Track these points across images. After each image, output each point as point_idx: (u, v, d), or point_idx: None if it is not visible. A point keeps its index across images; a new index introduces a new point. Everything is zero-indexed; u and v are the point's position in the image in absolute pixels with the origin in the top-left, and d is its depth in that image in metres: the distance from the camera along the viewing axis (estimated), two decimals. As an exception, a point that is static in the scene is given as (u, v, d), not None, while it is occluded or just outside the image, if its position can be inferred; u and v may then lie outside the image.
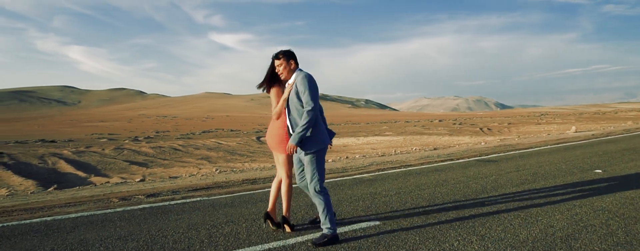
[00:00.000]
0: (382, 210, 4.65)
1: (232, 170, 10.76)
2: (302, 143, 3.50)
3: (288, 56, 3.64)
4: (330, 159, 10.46)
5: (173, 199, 5.66)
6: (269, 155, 24.82)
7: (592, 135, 14.66)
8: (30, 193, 7.75)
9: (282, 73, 3.66)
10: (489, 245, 3.40)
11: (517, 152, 9.94)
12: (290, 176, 3.91)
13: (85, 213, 4.93)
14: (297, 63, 3.68)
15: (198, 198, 5.65)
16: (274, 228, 3.94)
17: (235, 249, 3.47)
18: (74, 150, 26.53)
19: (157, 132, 53.22)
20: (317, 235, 3.70)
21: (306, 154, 3.52)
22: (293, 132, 3.58)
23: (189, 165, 21.53)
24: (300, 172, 3.79)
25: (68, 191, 7.29)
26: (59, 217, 4.77)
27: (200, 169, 17.78)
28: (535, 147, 10.87)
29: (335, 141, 33.20)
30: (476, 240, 3.52)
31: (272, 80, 3.82)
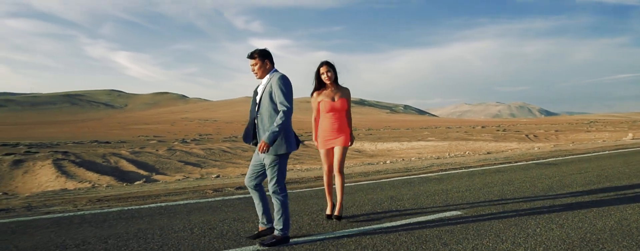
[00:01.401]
0: (459, 203, 5.10)
1: (289, 170, 11.40)
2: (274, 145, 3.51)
3: (263, 56, 3.62)
4: (388, 160, 10.92)
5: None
6: (312, 157, 25.48)
7: (650, 142, 14.42)
8: (125, 185, 8.65)
9: (256, 73, 3.66)
10: (570, 232, 3.80)
11: (575, 156, 10.08)
12: (331, 170, 4.45)
13: (191, 201, 5.64)
14: (272, 64, 3.67)
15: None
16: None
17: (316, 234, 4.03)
18: (130, 150, 28.10)
19: (200, 135, 55.16)
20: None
21: (271, 155, 3.51)
22: (260, 133, 3.59)
23: (241, 166, 22.46)
24: (255, 171, 3.76)
25: (158, 185, 8.10)
26: (171, 204, 5.49)
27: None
28: (593, 152, 10.94)
29: (380, 145, 33.50)
30: (556, 228, 3.93)
31: (319, 86, 4.39)
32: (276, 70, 3.66)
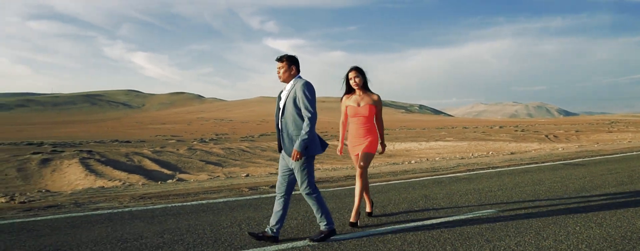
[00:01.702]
0: (493, 201, 5.21)
1: (316, 169, 11.58)
2: (292, 147, 3.63)
3: (291, 61, 3.72)
4: (412, 160, 11.02)
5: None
6: (332, 157, 25.63)
7: (678, 142, 14.24)
8: (159, 183, 8.93)
9: (281, 76, 3.74)
10: (610, 230, 3.90)
11: (602, 157, 10.06)
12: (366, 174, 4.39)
13: (230, 199, 5.84)
14: (298, 70, 3.76)
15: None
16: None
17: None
18: (152, 150, 28.62)
19: (217, 135, 55.74)
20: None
21: (299, 159, 3.60)
22: (284, 136, 3.69)
23: (261, 166, 22.74)
24: (285, 177, 3.82)
25: (192, 183, 8.36)
26: (212, 201, 5.70)
27: (276, 170, 18.82)
28: (621, 153, 10.89)
29: (397, 145, 33.47)
30: (595, 226, 4.02)
31: (348, 90, 4.46)
32: (300, 77, 3.75)
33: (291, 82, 3.73)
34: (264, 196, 6.01)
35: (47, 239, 3.92)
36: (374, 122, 4.46)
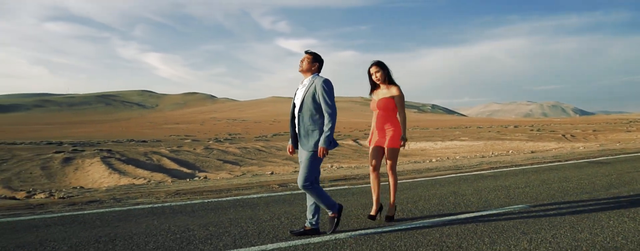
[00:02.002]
0: (523, 197, 5.32)
1: (339, 167, 11.74)
2: (308, 141, 3.75)
3: (316, 58, 3.88)
4: (433, 159, 11.12)
5: (324, 186, 6.67)
6: (347, 156, 25.77)
7: (701, 141, 14.10)
8: (188, 181, 9.17)
9: (302, 67, 3.88)
10: (643, 225, 3.99)
11: (626, 155, 10.06)
12: (373, 168, 4.41)
13: (264, 195, 6.03)
14: (319, 69, 3.90)
15: (345, 186, 6.61)
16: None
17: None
18: (169, 149, 29.04)
19: (230, 135, 56.20)
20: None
21: (310, 151, 3.73)
22: (301, 130, 3.81)
23: (278, 165, 22.97)
24: None
25: (221, 181, 8.57)
26: (246, 197, 5.88)
27: (296, 168, 19.02)
28: (644, 152, 10.87)
29: (412, 145, 33.46)
30: (629, 220, 4.12)
31: (373, 86, 4.53)
32: (318, 75, 3.88)
33: (309, 77, 3.85)
34: (295, 192, 6.17)
35: (100, 230, 4.14)
36: (396, 116, 4.41)
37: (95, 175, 18.05)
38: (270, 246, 3.57)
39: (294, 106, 3.91)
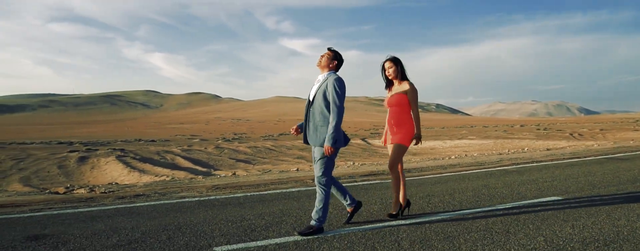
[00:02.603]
0: (553, 190, 5.56)
1: (361, 164, 12.01)
2: (316, 136, 3.81)
3: (336, 57, 3.92)
4: (453, 155, 11.36)
5: (355, 181, 6.93)
6: (356, 155, 26.03)
7: None
8: (219, 177, 9.45)
9: (320, 62, 3.92)
10: (675, 214, 4.23)
11: (642, 151, 10.28)
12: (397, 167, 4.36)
13: (301, 188, 6.28)
14: (337, 68, 3.94)
15: (377, 181, 6.88)
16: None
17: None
18: (180, 148, 29.38)
19: (235, 134, 56.50)
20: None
21: (320, 147, 3.79)
22: (310, 125, 3.88)
23: (291, 163, 23.26)
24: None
25: (252, 176, 8.85)
26: (285, 190, 6.14)
27: (311, 166, 19.28)
28: (659, 148, 11.08)
29: (422, 144, 33.72)
30: (661, 211, 4.36)
31: (388, 83, 4.58)
32: (334, 73, 3.90)
33: (324, 74, 3.90)
34: (330, 186, 6.44)
35: (162, 220, 4.41)
36: (410, 112, 4.33)
37: (114, 173, 18.38)
38: (330, 234, 3.82)
39: (308, 101, 3.98)
